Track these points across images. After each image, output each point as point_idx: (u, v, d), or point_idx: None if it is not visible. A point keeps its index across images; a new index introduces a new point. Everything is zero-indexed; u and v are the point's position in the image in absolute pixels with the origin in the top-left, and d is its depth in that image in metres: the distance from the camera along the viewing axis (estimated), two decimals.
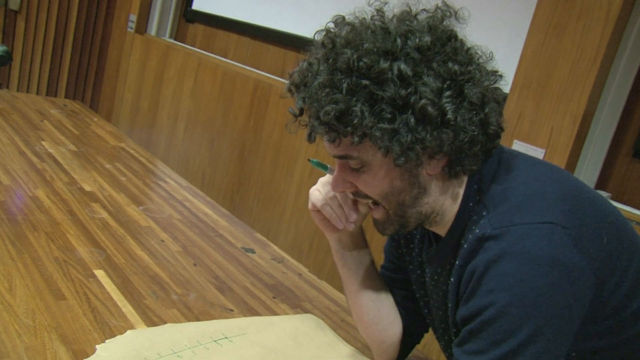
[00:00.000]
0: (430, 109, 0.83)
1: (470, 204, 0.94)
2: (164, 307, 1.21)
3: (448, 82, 0.85)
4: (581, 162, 1.96)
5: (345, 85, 0.84)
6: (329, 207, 1.04)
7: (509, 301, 0.81)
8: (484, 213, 0.90)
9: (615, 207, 0.95)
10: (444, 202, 0.94)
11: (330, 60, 0.87)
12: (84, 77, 4.12)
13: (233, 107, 3.56)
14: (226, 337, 1.14)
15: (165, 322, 1.15)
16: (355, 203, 1.03)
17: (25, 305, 1.10)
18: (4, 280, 1.16)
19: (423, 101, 0.83)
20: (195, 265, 1.44)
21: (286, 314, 1.31)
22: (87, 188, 1.79)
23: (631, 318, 0.90)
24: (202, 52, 3.80)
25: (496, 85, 0.92)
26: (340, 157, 0.91)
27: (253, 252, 1.60)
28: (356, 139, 0.85)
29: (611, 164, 2.05)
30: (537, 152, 1.79)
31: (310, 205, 1.08)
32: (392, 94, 0.83)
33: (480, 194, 0.93)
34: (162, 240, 1.53)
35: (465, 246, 0.89)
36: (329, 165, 1.01)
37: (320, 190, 1.06)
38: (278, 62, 3.53)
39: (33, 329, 1.04)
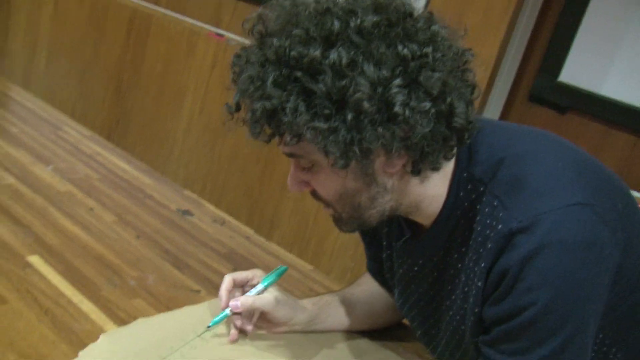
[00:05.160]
0: (366, 104, 0.71)
1: (461, 194, 0.84)
2: (125, 297, 1.03)
3: (399, 68, 0.73)
4: (487, 106, 1.98)
5: (274, 78, 0.72)
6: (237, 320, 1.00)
7: (551, 298, 0.74)
8: (495, 203, 0.79)
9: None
10: (417, 195, 0.84)
11: (260, 50, 0.75)
12: None
13: (106, 38, 3.18)
14: (209, 328, 1.00)
15: (135, 318, 0.98)
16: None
17: None
18: None
19: (358, 95, 0.71)
20: (138, 237, 1.25)
21: None
22: None
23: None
24: None
25: (466, 67, 0.80)
26: (288, 156, 0.81)
27: (191, 214, 1.43)
28: (293, 139, 0.75)
29: (510, 107, 2.08)
30: None
31: None
32: (327, 87, 0.71)
33: (476, 182, 0.83)
34: (91, 209, 1.31)
35: (489, 245, 0.79)
36: (227, 311, 0.97)
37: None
38: None
39: None
